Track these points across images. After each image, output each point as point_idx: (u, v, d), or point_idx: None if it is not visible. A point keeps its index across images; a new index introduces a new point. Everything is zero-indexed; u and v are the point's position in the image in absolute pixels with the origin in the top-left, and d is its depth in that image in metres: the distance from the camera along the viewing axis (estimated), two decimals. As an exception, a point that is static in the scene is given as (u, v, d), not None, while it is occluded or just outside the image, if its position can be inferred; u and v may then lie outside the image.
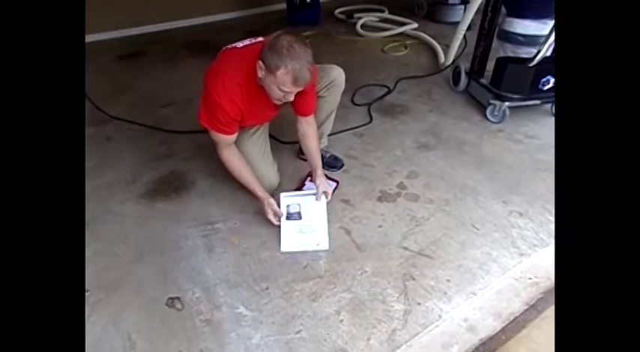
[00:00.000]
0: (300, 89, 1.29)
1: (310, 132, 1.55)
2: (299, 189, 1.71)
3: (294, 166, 1.87)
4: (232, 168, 1.50)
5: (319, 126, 1.66)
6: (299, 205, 1.51)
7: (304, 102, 1.47)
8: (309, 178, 1.76)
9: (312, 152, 1.57)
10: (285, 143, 2.01)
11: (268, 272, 1.38)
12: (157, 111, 2.37)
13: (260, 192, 1.51)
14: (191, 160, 1.93)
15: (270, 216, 1.49)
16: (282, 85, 1.24)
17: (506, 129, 2.09)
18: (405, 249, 1.46)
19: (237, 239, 1.51)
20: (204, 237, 1.52)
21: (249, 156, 1.54)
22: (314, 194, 1.52)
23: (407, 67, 2.84)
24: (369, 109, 2.30)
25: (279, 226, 1.49)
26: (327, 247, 1.46)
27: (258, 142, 1.62)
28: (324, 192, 1.52)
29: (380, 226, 1.56)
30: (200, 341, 1.18)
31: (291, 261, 1.42)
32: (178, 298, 1.30)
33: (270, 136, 1.74)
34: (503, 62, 2.03)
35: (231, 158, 1.48)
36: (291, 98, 1.32)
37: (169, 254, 1.46)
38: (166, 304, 1.28)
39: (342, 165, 1.86)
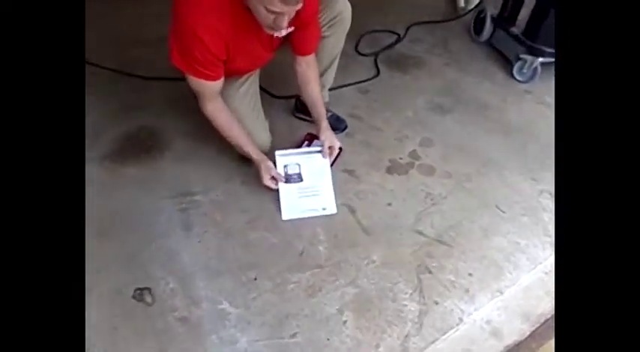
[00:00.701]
0: (292, 8, 1.00)
1: (311, 75, 1.33)
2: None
3: (290, 126, 1.60)
4: (220, 126, 1.26)
5: (320, 76, 1.39)
6: (298, 165, 1.33)
7: (304, 36, 1.23)
8: (306, 142, 1.50)
9: (314, 100, 1.34)
10: (279, 97, 1.71)
11: (257, 258, 1.17)
12: (124, 52, 1.99)
13: (255, 154, 1.30)
14: (166, 114, 1.63)
15: (268, 182, 1.29)
16: (269, 2, 0.96)
17: (534, 91, 1.81)
18: (420, 233, 1.25)
19: (220, 215, 1.28)
20: (181, 212, 1.28)
21: (235, 114, 1.28)
22: (315, 151, 1.34)
23: (419, 9, 2.45)
24: (375, 60, 1.99)
25: (276, 190, 1.30)
26: (334, 211, 1.30)
27: (247, 96, 1.35)
28: (330, 147, 1.32)
29: (389, 204, 1.33)
30: (174, 344, 0.99)
31: (285, 246, 1.20)
32: (148, 289, 1.08)
33: (261, 89, 1.44)
34: (544, 6, 1.70)
35: (219, 113, 1.24)
36: (285, 25, 1.03)
37: (138, 232, 1.23)
38: (133, 297, 1.07)
39: (346, 127, 1.60)
